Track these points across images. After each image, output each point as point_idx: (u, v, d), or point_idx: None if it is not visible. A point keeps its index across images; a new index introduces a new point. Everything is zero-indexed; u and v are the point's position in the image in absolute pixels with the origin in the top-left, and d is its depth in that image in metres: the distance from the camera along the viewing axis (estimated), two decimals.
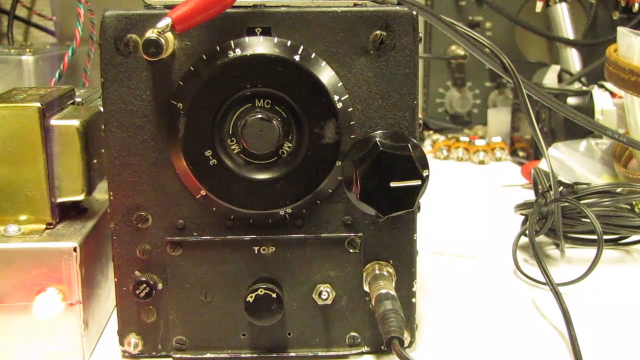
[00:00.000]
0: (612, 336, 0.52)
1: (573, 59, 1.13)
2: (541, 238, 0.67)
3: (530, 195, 0.70)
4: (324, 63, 0.45)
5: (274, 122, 0.44)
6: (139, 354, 0.48)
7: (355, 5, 0.46)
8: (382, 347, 0.48)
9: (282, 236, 0.47)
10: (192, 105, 0.44)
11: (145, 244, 0.47)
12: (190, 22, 0.42)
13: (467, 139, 1.09)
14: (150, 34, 0.41)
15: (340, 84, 0.45)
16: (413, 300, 0.49)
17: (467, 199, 0.88)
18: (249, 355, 0.49)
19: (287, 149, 0.45)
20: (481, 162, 1.05)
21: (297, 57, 0.44)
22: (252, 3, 0.45)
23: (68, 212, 0.51)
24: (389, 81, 0.45)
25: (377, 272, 0.47)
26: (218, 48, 0.44)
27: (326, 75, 0.45)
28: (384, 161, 0.43)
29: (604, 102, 0.96)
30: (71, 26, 0.80)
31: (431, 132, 1.18)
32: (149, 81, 0.45)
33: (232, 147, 0.45)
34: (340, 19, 0.45)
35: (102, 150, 0.48)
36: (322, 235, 0.47)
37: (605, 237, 0.62)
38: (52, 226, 0.49)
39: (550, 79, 1.08)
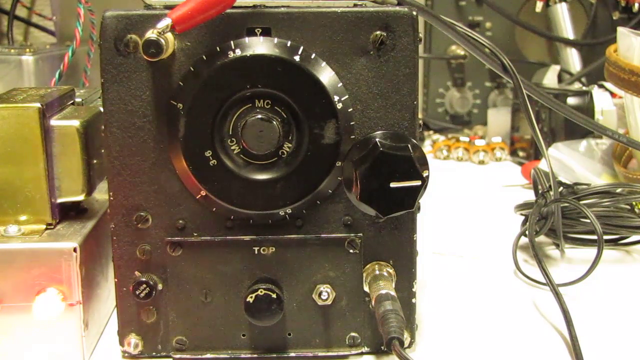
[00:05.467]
0: (613, 336, 0.52)
1: (573, 59, 1.12)
2: (541, 238, 0.67)
3: (530, 195, 0.70)
4: (324, 63, 0.45)
5: (274, 122, 0.44)
6: (139, 354, 0.48)
7: (355, 5, 0.46)
8: (382, 348, 0.48)
9: (282, 236, 0.47)
10: (192, 105, 0.44)
11: (145, 244, 0.47)
12: (190, 23, 0.42)
13: (467, 139, 1.09)
14: (150, 34, 0.41)
15: (340, 84, 0.45)
16: (413, 300, 0.49)
17: (467, 199, 0.88)
18: (249, 355, 0.49)
19: (287, 150, 0.45)
20: (481, 162, 1.05)
21: (297, 58, 0.44)
22: (252, 3, 0.45)
23: (68, 213, 0.51)
24: (389, 81, 0.45)
25: (377, 272, 0.47)
26: (218, 48, 0.44)
27: (326, 75, 0.44)
28: (384, 162, 0.43)
29: (604, 102, 0.96)
30: (71, 26, 0.80)
31: (431, 132, 1.18)
32: (149, 81, 0.45)
33: (232, 147, 0.45)
34: (340, 19, 0.45)
35: (102, 151, 0.48)
36: (322, 235, 0.47)
37: (605, 237, 0.62)
38: (52, 226, 0.49)
39: (550, 79, 1.07)
